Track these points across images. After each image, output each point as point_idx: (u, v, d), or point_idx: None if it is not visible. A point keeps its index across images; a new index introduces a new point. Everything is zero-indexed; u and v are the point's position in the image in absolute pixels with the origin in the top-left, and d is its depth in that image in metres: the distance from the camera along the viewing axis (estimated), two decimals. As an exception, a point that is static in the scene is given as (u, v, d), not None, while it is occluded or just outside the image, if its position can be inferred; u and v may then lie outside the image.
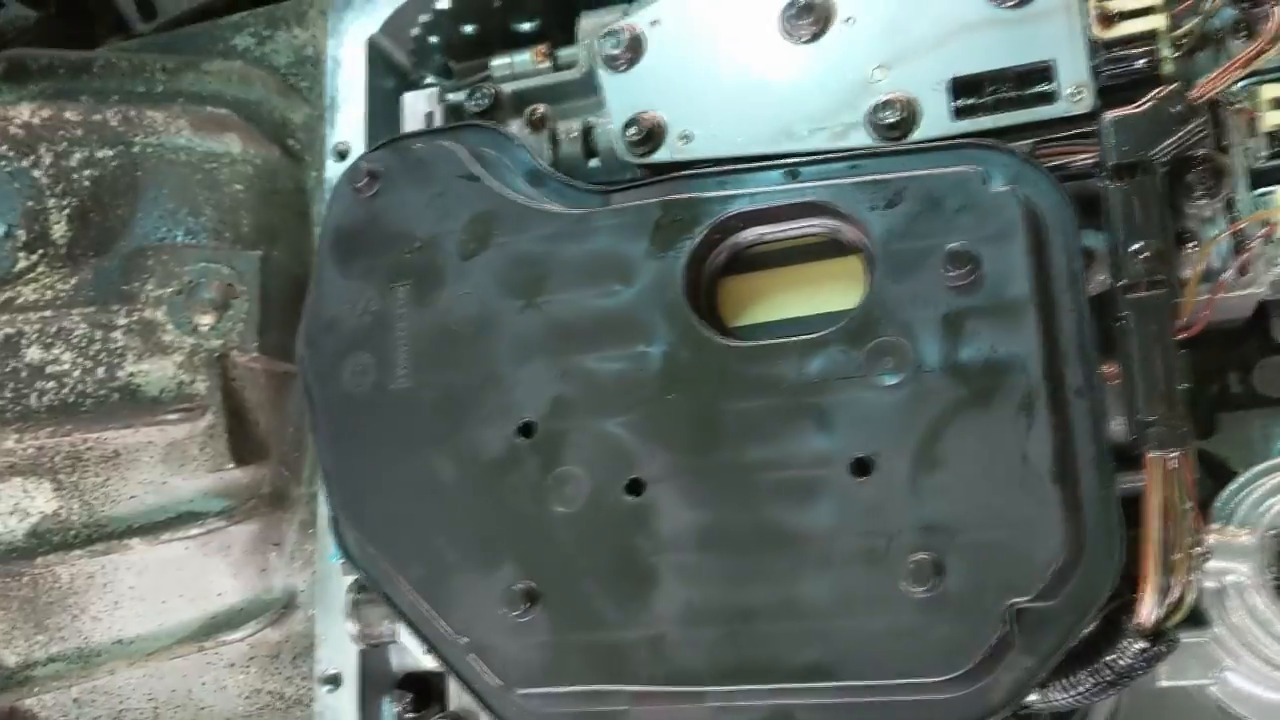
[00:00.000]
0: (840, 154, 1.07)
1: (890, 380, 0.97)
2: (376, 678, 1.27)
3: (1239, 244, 1.01)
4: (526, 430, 1.05)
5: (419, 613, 1.07)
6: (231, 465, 1.29)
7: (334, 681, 1.26)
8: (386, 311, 1.12)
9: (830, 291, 1.07)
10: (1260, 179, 1.02)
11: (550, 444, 1.04)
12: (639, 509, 1.01)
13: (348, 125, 1.37)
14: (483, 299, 1.09)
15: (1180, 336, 0.97)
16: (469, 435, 1.07)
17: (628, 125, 1.15)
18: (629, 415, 1.03)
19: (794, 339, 1.01)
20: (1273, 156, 1.01)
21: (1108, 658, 0.94)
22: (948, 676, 0.91)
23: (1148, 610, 0.92)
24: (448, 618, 1.03)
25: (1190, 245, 1.03)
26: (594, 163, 1.25)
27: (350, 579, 1.20)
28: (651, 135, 1.14)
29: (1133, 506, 0.94)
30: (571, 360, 1.05)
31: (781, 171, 1.07)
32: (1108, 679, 0.95)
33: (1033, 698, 1.00)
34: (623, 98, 1.16)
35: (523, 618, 1.01)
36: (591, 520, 1.02)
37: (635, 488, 1.02)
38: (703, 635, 0.97)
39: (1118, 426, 0.97)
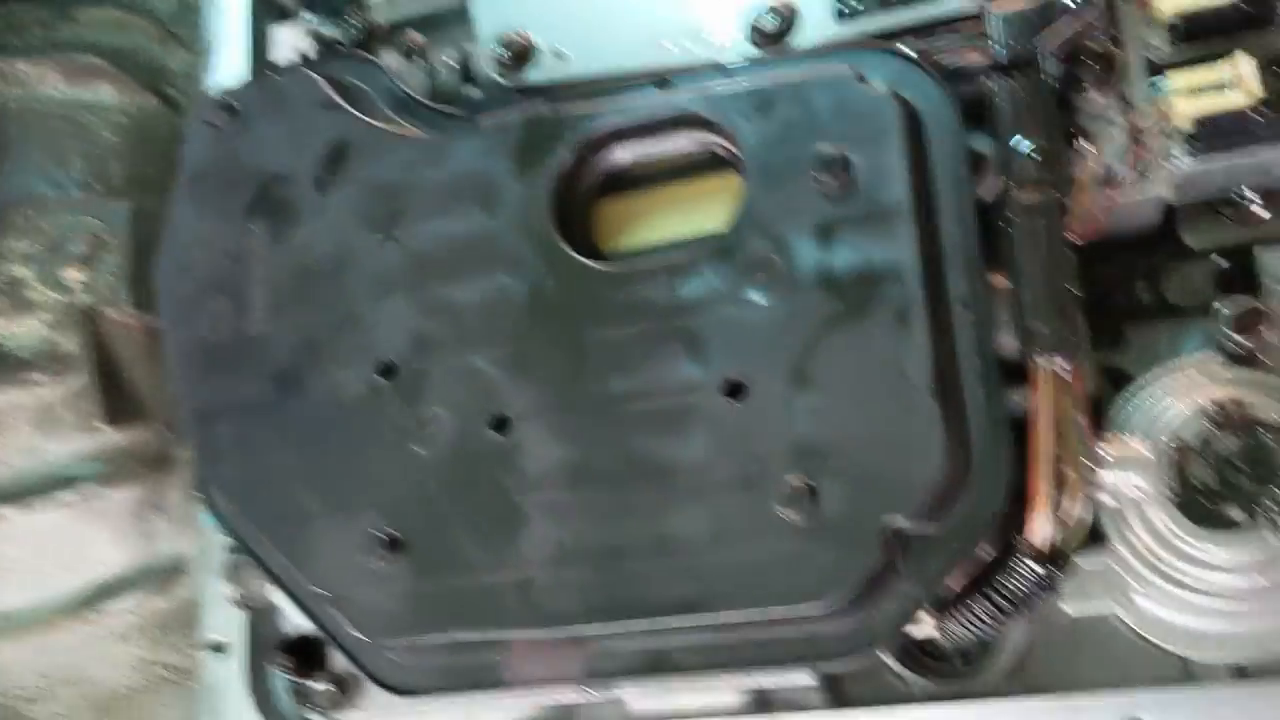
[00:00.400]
0: (717, 64, 1.01)
1: (762, 297, 0.91)
2: (266, 644, 1.20)
3: (1135, 142, 0.95)
4: (387, 371, 0.99)
5: (285, 569, 1.01)
6: (105, 426, 1.23)
7: (221, 649, 1.20)
8: (243, 252, 1.06)
9: (711, 210, 1.01)
10: (1157, 72, 0.95)
11: (412, 383, 0.98)
12: (505, 447, 0.95)
13: (228, 69, 1.30)
14: (341, 234, 1.03)
15: (1075, 241, 0.91)
16: (328, 378, 1.00)
17: (498, 46, 1.08)
18: (494, 349, 0.97)
19: (662, 260, 0.95)
20: (1170, 47, 0.95)
21: (1001, 583, 0.89)
22: (827, 606, 0.85)
23: (1040, 530, 0.86)
24: (306, 570, 0.97)
25: (1084, 144, 0.96)
26: (474, 92, 1.18)
27: (228, 539, 1.14)
28: (523, 55, 1.08)
29: (1026, 428, 0.88)
30: (433, 294, 0.99)
31: (653, 84, 1.01)
32: (1002, 606, 0.90)
33: (931, 631, 0.95)
34: (492, 17, 1.10)
35: (384, 566, 0.95)
36: (455, 461, 0.96)
37: (501, 425, 0.96)
38: (573, 576, 0.91)
39: (1008, 340, 0.91)
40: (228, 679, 1.20)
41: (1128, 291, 1.05)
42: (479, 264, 0.99)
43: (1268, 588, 0.87)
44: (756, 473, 0.88)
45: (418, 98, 1.10)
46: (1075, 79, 0.97)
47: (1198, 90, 0.90)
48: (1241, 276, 1.03)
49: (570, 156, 0.99)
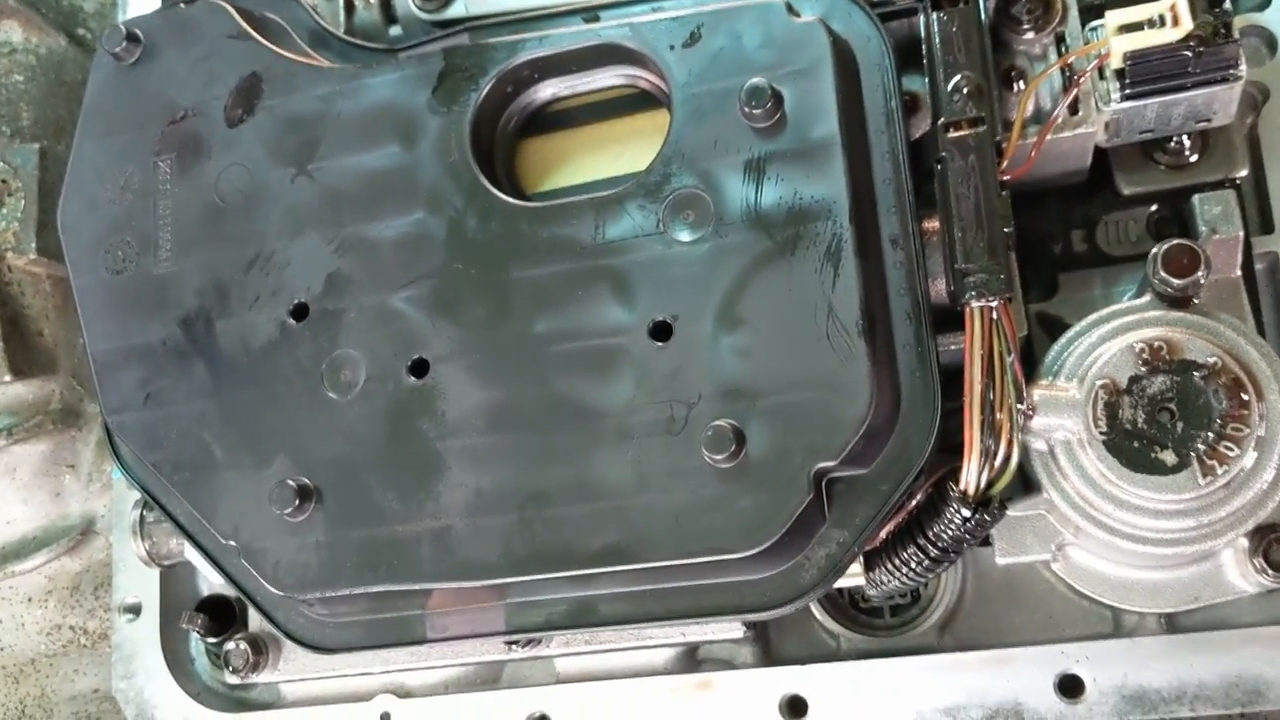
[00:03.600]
0: (645, -2, 0.97)
1: (689, 235, 0.88)
2: (181, 605, 1.16)
3: (1069, 81, 0.93)
4: (300, 312, 0.95)
5: (194, 521, 0.97)
6: (9, 378, 1.17)
7: (134, 611, 1.15)
8: (148, 189, 1.01)
9: (638, 150, 0.97)
10: (1091, 12, 0.94)
11: (325, 325, 0.94)
12: (423, 391, 0.91)
13: (140, 7, 1.24)
14: (251, 169, 0.98)
15: (1006, 178, 0.89)
16: (237, 321, 0.96)
17: (419, -21, 1.04)
18: (412, 288, 0.93)
19: (588, 197, 0.91)
20: (1108, -13, 0.93)
21: (932, 530, 0.87)
22: (752, 550, 0.82)
23: (970, 475, 0.84)
24: (214, 521, 0.93)
25: (1019, 84, 0.94)
26: (395, 30, 1.13)
27: (138, 495, 1.09)
28: (446, -12, 1.04)
29: (957, 376, 0.86)
30: (348, 231, 0.95)
31: (579, 17, 0.97)
32: (933, 554, 0.87)
33: (861, 583, 0.93)
34: (414, -50, 1.05)
35: (295, 516, 0.91)
36: (371, 407, 0.92)
37: (419, 368, 0.92)
38: (493, 524, 0.88)
39: (939, 285, 0.89)
40: (139, 641, 1.15)
41: (1063, 242, 1.04)
42: (396, 200, 0.94)
43: (1196, 532, 0.86)
44: (682, 416, 0.85)
45: (334, 31, 1.06)
46: (1010, 16, 0.95)
47: (1132, 27, 0.89)
48: (1176, 224, 1.02)
49: (491, 88, 0.95)
